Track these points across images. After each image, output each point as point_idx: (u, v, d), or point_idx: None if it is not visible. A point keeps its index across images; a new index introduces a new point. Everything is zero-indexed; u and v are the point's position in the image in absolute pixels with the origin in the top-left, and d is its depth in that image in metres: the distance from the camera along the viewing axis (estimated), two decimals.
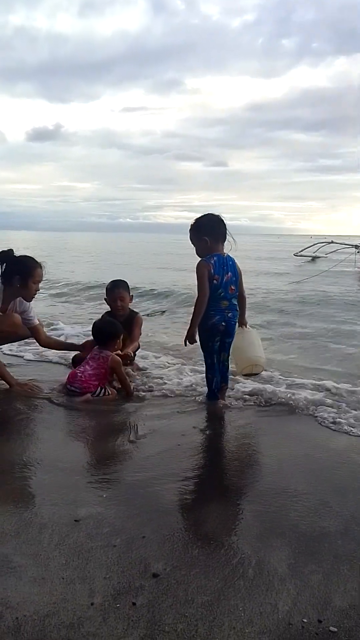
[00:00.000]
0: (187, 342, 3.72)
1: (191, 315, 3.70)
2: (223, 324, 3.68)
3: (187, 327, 3.72)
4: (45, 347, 4.64)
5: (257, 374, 4.18)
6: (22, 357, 5.08)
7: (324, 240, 26.18)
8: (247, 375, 4.17)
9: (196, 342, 3.73)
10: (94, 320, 4.51)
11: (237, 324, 3.81)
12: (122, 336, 4.68)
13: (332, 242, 25.30)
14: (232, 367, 4.01)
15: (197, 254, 3.76)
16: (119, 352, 4.31)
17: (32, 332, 4.42)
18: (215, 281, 3.61)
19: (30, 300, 4.34)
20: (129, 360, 4.56)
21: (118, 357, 4.11)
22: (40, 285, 4.29)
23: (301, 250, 26.25)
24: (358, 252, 21.74)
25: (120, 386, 4.11)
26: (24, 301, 4.28)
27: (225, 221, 3.74)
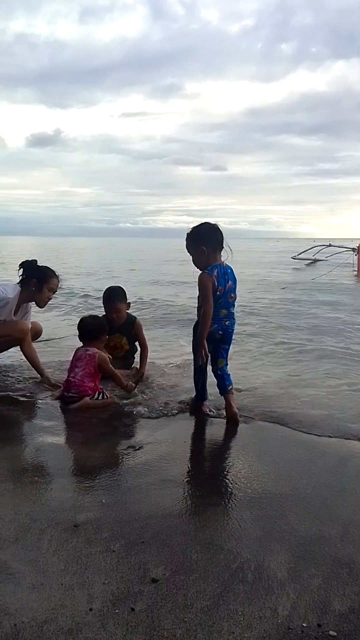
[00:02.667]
0: (202, 357, 3.60)
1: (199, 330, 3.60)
2: (220, 332, 3.69)
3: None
4: (22, 353, 4.59)
5: None
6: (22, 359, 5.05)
7: (322, 244, 26.28)
8: None
9: (209, 355, 3.61)
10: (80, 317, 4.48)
11: (233, 330, 3.78)
12: (121, 340, 4.70)
13: (330, 245, 25.38)
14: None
15: (193, 262, 3.71)
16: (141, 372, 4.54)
17: None
18: (218, 292, 3.59)
19: (43, 307, 4.54)
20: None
21: (104, 354, 4.08)
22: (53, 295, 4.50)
23: (299, 254, 26.31)
24: (356, 254, 21.85)
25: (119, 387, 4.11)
26: (29, 305, 4.47)
27: (221, 229, 3.68)
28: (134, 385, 4.17)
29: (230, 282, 3.66)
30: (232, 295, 3.69)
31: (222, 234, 3.69)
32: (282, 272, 21.09)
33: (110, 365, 4.10)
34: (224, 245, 3.70)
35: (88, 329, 4.18)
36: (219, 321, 3.66)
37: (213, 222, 3.71)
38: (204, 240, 3.65)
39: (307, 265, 23.97)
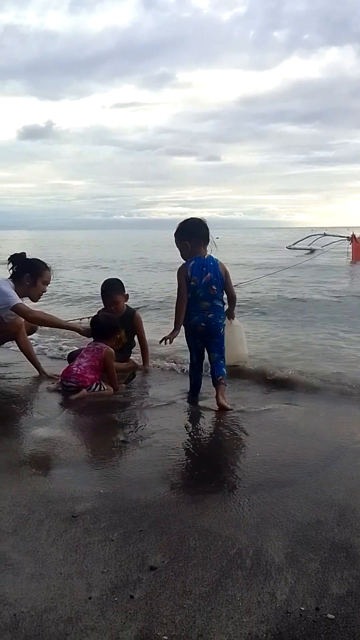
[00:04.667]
0: (165, 342, 3.84)
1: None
2: (202, 324, 3.74)
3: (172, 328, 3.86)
4: (18, 347, 4.62)
5: (239, 365, 4.36)
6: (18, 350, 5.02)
7: (317, 233, 26.18)
8: (230, 366, 4.24)
9: (171, 341, 3.85)
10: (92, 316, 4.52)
11: (222, 323, 3.81)
12: (120, 333, 4.71)
13: (325, 234, 25.33)
14: None
15: (182, 257, 3.89)
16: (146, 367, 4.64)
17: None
18: (193, 283, 3.72)
19: (36, 301, 4.53)
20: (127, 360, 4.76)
21: (112, 350, 4.11)
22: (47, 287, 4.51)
23: (294, 243, 26.23)
24: (350, 242, 21.88)
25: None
26: (22, 300, 4.39)
27: (206, 224, 3.85)
28: (124, 386, 4.17)
29: (209, 274, 3.73)
30: (214, 287, 3.74)
31: (206, 228, 3.84)
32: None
33: (114, 364, 4.12)
34: (209, 239, 3.84)
35: (100, 327, 4.22)
36: (200, 313, 3.74)
37: (199, 218, 3.88)
38: (187, 235, 3.83)
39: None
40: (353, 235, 21.64)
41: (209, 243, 3.85)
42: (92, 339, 4.27)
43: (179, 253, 3.90)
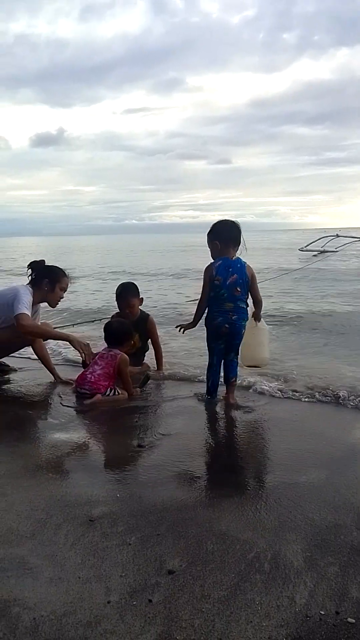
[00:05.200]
0: (182, 329, 4.03)
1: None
2: (226, 325, 3.78)
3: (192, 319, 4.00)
4: (34, 352, 4.68)
5: (258, 367, 4.37)
6: (30, 357, 5.07)
7: (330, 234, 26.03)
8: (249, 367, 4.29)
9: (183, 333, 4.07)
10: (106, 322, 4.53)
11: (244, 325, 3.84)
12: (135, 336, 4.72)
13: (337, 235, 25.19)
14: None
15: (211, 256, 3.94)
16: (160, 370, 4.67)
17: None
18: (216, 282, 3.76)
19: (54, 306, 4.57)
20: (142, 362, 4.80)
21: (126, 356, 4.11)
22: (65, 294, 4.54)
23: (307, 245, 26.10)
24: None
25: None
26: (39, 306, 4.54)
27: (239, 227, 3.88)
28: (139, 391, 4.17)
29: (235, 275, 3.76)
30: (239, 289, 3.76)
31: (238, 231, 3.88)
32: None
33: (128, 370, 4.12)
34: (240, 242, 3.87)
35: (113, 333, 4.21)
36: (224, 314, 3.77)
37: (232, 220, 3.93)
38: (217, 236, 3.88)
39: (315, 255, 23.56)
40: None
41: (240, 246, 3.87)
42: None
43: (210, 253, 3.94)
